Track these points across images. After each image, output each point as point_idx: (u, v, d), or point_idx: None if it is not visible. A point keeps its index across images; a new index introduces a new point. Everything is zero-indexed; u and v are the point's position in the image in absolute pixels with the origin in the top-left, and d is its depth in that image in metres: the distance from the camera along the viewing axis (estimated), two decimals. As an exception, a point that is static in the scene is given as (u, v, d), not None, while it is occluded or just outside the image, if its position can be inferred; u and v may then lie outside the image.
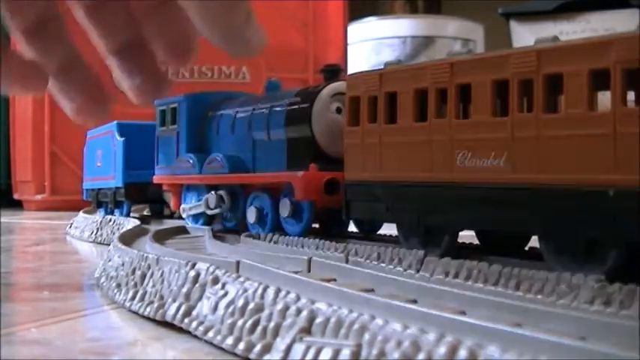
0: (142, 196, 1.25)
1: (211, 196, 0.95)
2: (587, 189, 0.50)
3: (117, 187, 1.26)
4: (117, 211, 1.29)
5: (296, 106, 0.84)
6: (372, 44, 2.30)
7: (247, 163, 0.93)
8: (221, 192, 0.94)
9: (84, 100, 0.46)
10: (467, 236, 0.67)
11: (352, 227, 0.87)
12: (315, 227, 0.86)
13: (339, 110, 0.81)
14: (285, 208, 0.83)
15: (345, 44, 2.37)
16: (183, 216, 1.03)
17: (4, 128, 2.48)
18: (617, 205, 0.48)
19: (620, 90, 0.48)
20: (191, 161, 1.00)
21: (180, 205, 1.04)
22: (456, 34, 2.30)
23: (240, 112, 0.95)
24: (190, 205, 1.01)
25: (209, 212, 0.96)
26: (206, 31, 0.41)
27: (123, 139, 1.25)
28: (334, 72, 0.85)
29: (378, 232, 0.85)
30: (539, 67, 0.53)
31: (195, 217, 1.02)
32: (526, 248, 0.65)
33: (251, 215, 0.88)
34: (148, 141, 1.15)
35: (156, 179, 1.11)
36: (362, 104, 0.70)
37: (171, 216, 1.23)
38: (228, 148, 0.96)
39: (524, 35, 1.90)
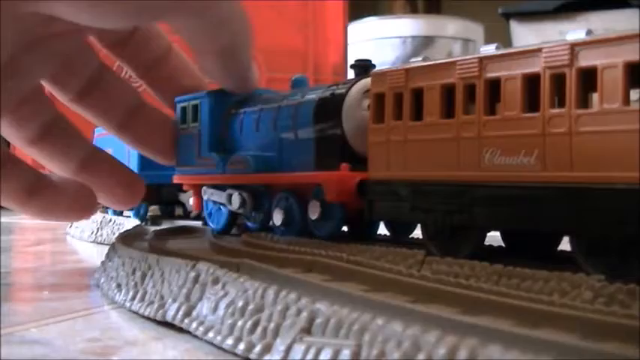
0: (157, 198, 1.21)
1: (235, 195, 0.91)
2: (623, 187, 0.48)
3: None
4: (132, 212, 1.25)
5: (325, 104, 0.80)
6: (372, 44, 2.30)
7: (273, 163, 0.88)
8: (243, 193, 0.90)
9: (115, 189, 0.47)
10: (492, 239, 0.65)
11: (384, 230, 0.83)
12: (343, 230, 0.82)
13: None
14: (314, 210, 0.79)
15: (345, 44, 2.38)
16: (205, 198, 0.98)
17: (4, 128, 2.48)
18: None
19: None
20: (214, 160, 0.96)
21: (201, 205, 1.00)
22: (456, 34, 2.29)
23: (265, 109, 0.91)
24: (213, 191, 0.96)
25: (231, 208, 0.92)
26: (219, 79, 0.42)
27: None
28: (365, 67, 0.81)
29: (410, 236, 0.80)
30: (573, 61, 0.52)
31: (216, 220, 0.98)
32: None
33: (277, 217, 0.84)
34: None
35: (176, 179, 1.06)
36: (387, 101, 0.68)
37: (188, 216, 1.19)
38: (252, 146, 0.92)
39: (525, 35, 1.91)
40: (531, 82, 0.55)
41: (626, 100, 0.49)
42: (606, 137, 0.50)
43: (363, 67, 0.81)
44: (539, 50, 0.54)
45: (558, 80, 0.53)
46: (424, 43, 2.26)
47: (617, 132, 0.49)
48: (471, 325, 0.36)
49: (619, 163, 0.49)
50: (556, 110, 0.53)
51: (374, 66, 0.81)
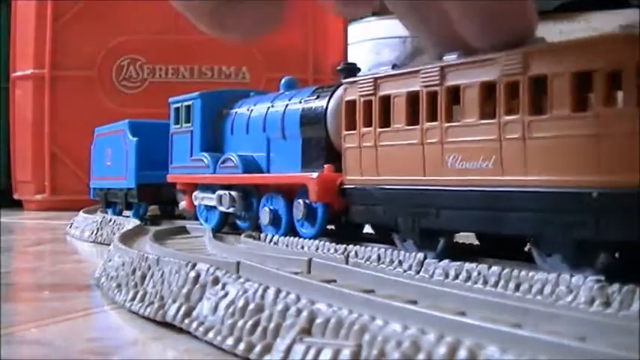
0: (155, 198, 1.22)
1: (225, 195, 0.93)
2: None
3: (129, 189, 1.23)
4: (131, 213, 1.25)
5: (311, 105, 0.82)
6: (372, 44, 2.31)
7: (261, 164, 0.91)
8: (233, 193, 0.92)
9: None
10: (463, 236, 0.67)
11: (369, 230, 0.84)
12: (330, 229, 0.84)
13: None
14: (299, 211, 0.80)
15: (345, 44, 2.38)
16: (195, 204, 1.01)
17: (4, 128, 2.48)
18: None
19: None
20: (205, 160, 0.98)
21: (193, 205, 1.02)
22: (456, 35, 2.29)
23: (255, 110, 0.93)
24: (203, 195, 0.99)
25: (221, 208, 0.94)
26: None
27: (136, 138, 1.21)
28: (351, 70, 0.82)
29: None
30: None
31: (209, 217, 1.00)
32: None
33: (265, 217, 0.86)
34: (161, 140, 1.12)
35: (169, 178, 1.08)
36: (358, 108, 0.70)
37: (180, 216, 1.20)
38: (242, 147, 0.94)
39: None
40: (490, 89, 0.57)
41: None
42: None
43: (349, 70, 0.83)
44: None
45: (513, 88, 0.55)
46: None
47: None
48: (470, 325, 0.36)
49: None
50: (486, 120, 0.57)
51: (359, 69, 0.83)
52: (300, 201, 0.80)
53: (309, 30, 2.32)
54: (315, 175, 0.77)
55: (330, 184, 0.75)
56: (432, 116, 0.62)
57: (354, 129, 0.71)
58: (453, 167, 0.60)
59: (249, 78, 2.26)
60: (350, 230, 0.82)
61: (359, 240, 0.76)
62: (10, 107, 2.42)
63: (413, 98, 0.64)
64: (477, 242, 0.70)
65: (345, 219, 0.73)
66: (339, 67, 0.84)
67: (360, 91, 0.70)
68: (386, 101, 0.67)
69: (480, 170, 0.57)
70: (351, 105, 0.72)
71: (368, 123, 0.69)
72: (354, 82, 0.72)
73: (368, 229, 0.84)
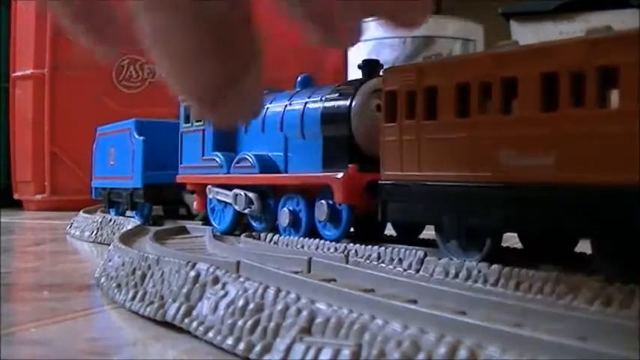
0: (161, 198, 1.20)
1: (240, 196, 0.90)
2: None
3: (135, 188, 1.21)
4: (135, 213, 1.24)
5: (333, 103, 0.79)
6: (372, 44, 2.30)
7: (279, 163, 0.88)
8: (250, 194, 0.89)
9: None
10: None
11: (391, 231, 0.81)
12: (350, 231, 0.80)
13: (379, 108, 0.73)
14: (321, 212, 0.78)
15: (345, 44, 2.37)
16: (210, 196, 0.98)
17: (4, 128, 2.48)
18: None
19: None
20: (218, 160, 0.96)
21: (205, 205, 1.00)
22: (456, 34, 2.29)
23: (271, 109, 0.89)
24: (219, 190, 0.96)
25: (237, 208, 0.91)
26: None
27: (142, 138, 1.19)
28: (373, 67, 0.80)
29: (420, 236, 0.78)
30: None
31: (220, 220, 0.97)
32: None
33: (284, 218, 0.83)
34: (167, 140, 1.10)
35: (179, 179, 1.06)
36: (399, 100, 0.66)
37: (192, 217, 1.17)
38: (257, 146, 0.92)
39: (525, 35, 1.90)
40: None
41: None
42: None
43: (372, 67, 0.80)
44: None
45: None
46: (424, 43, 2.26)
47: None
48: (471, 325, 0.36)
49: None
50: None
51: (382, 65, 0.80)
52: (323, 202, 0.77)
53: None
54: (340, 175, 0.74)
55: (356, 185, 0.73)
56: (484, 108, 0.58)
57: (394, 121, 0.66)
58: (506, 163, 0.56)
59: (249, 78, 2.26)
60: (372, 231, 0.79)
61: (381, 241, 0.73)
62: (10, 107, 2.42)
63: (462, 89, 0.59)
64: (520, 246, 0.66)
65: (379, 218, 0.68)
66: (359, 64, 0.81)
67: (402, 81, 0.65)
68: (431, 92, 0.62)
69: (538, 167, 0.53)
70: (391, 95, 0.67)
71: (410, 115, 0.64)
72: (396, 70, 0.67)
73: (389, 230, 0.81)
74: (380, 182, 0.68)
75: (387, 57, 2.25)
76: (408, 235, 0.77)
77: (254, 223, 0.91)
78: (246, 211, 0.90)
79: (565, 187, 0.50)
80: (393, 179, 0.66)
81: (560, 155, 0.51)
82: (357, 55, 2.32)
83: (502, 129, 0.56)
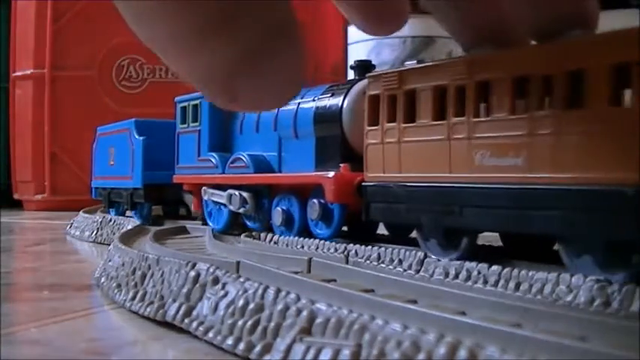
0: (161, 198, 1.21)
1: (235, 195, 0.91)
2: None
3: (135, 188, 1.21)
4: (135, 213, 1.24)
5: (326, 103, 0.80)
6: (372, 44, 2.31)
7: (273, 163, 0.89)
8: (244, 193, 0.90)
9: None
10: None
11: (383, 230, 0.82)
12: (343, 230, 0.81)
13: None
14: (314, 211, 0.79)
15: (345, 44, 2.37)
16: (205, 198, 0.99)
17: (4, 128, 2.48)
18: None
19: None
20: (214, 160, 0.97)
21: (201, 205, 1.01)
22: (456, 34, 2.29)
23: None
24: (213, 191, 0.97)
25: (231, 208, 0.92)
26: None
27: (142, 138, 1.20)
28: (366, 68, 0.80)
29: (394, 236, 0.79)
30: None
31: (216, 219, 0.98)
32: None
33: (277, 217, 0.84)
34: (167, 140, 1.11)
35: (176, 179, 1.07)
36: (382, 104, 0.67)
37: (192, 217, 1.18)
38: (252, 147, 0.93)
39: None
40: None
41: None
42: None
43: (364, 67, 0.81)
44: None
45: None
46: (424, 43, 2.26)
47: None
48: (470, 325, 0.36)
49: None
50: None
51: (374, 66, 0.81)
52: (315, 201, 0.78)
53: (308, 30, 2.32)
54: (331, 174, 0.75)
55: (347, 184, 0.73)
56: (460, 111, 0.59)
57: (377, 125, 0.68)
58: (481, 164, 0.57)
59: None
60: (364, 230, 0.80)
61: (374, 240, 0.74)
62: (10, 107, 2.42)
63: (440, 92, 0.61)
64: (499, 244, 0.68)
65: (363, 218, 0.69)
66: (352, 64, 0.82)
67: (384, 86, 0.67)
68: (411, 96, 0.64)
69: (509, 168, 0.54)
70: (374, 100, 0.69)
71: (392, 118, 0.66)
72: (379, 75, 0.69)
73: (382, 229, 0.82)
74: (363, 184, 0.70)
75: (386, 57, 2.25)
76: (400, 235, 0.78)
77: (248, 223, 0.92)
78: (240, 210, 0.91)
79: (536, 187, 0.52)
80: (375, 181, 0.68)
81: (531, 156, 0.52)
82: (356, 55, 2.32)
83: (476, 130, 0.58)
